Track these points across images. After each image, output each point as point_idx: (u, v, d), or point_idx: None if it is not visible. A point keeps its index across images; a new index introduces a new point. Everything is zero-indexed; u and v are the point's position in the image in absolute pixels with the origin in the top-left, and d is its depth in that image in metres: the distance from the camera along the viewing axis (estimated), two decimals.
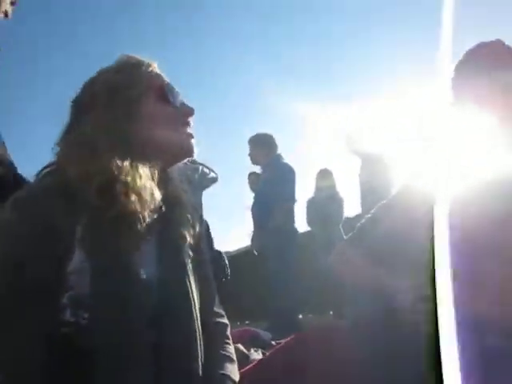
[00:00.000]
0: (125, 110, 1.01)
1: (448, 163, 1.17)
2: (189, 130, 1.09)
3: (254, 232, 4.90)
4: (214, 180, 4.59)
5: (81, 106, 1.05)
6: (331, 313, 5.96)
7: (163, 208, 1.03)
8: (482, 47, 1.52)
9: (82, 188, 0.92)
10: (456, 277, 0.85)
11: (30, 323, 0.86)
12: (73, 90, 1.09)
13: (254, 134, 4.91)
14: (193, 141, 1.09)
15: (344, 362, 1.02)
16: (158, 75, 1.11)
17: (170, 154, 1.07)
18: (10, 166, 1.65)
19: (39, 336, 0.86)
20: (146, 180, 0.98)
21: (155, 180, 1.02)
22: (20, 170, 1.40)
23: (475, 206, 1.26)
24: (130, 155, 0.97)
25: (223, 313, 1.19)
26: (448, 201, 1.00)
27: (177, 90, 1.11)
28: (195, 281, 1.08)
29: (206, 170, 1.32)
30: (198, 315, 1.04)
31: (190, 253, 1.09)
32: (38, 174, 1.02)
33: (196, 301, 1.05)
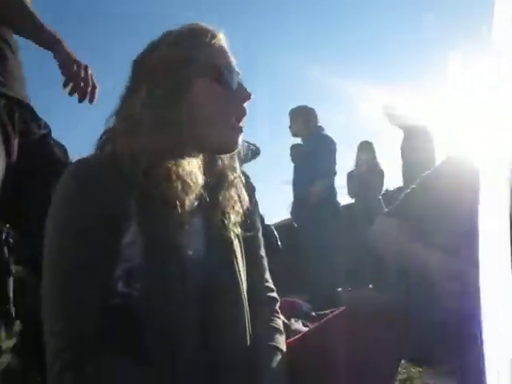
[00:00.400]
0: (176, 90, 0.96)
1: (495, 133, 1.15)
2: (240, 122, 1.02)
3: (294, 204, 4.91)
4: (257, 153, 4.59)
5: (138, 76, 1.02)
6: (370, 286, 5.93)
7: (207, 195, 1.02)
8: None
9: (130, 166, 0.93)
10: None
11: (89, 291, 0.89)
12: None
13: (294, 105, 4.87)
14: (241, 136, 1.03)
15: (385, 337, 1.02)
16: (219, 50, 1.03)
17: (216, 146, 1.03)
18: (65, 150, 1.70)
19: (97, 302, 0.89)
20: (190, 165, 0.97)
21: (201, 163, 1.02)
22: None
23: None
24: (178, 137, 0.95)
25: (273, 287, 1.19)
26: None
27: (236, 69, 1.04)
28: (243, 258, 1.08)
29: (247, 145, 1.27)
30: (245, 292, 1.04)
31: (237, 230, 1.08)
32: (96, 145, 1.02)
33: (243, 278, 1.05)
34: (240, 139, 1.03)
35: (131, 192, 0.93)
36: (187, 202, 0.96)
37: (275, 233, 5.17)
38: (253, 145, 4.50)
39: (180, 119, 0.95)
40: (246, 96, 1.02)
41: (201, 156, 1.03)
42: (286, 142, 5.51)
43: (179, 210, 0.95)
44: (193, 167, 0.98)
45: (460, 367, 1.26)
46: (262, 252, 1.19)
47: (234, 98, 1.01)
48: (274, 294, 1.18)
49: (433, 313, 1.27)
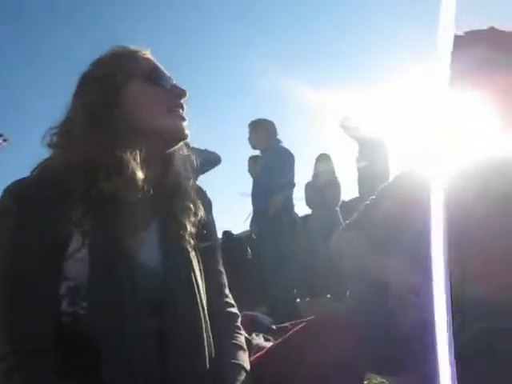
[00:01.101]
0: (110, 96, 0.98)
1: (445, 145, 1.18)
2: (180, 113, 1.04)
3: (253, 216, 4.91)
4: (217, 161, 4.56)
5: (73, 95, 1.04)
6: (328, 296, 5.99)
7: (163, 199, 1.03)
8: (479, 31, 1.50)
9: (68, 174, 0.92)
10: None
11: (31, 314, 0.87)
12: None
13: (253, 118, 4.90)
14: (185, 123, 1.04)
15: (350, 349, 1.03)
16: (146, 59, 1.07)
17: (161, 138, 1.03)
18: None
19: (43, 322, 0.87)
20: (130, 163, 0.96)
21: (146, 164, 0.99)
22: None
23: (470, 186, 1.28)
24: (116, 140, 0.96)
25: (233, 302, 1.17)
26: (445, 182, 1.01)
27: (167, 73, 1.07)
28: (200, 269, 1.07)
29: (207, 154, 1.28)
30: (204, 303, 1.03)
31: (192, 241, 1.07)
32: (33, 170, 1.01)
33: (201, 288, 1.04)
34: (184, 126, 1.04)
35: (73, 203, 0.91)
36: (131, 198, 0.94)
37: (245, 245, 5.18)
38: (212, 153, 4.51)
39: (119, 122, 0.97)
40: (181, 93, 1.05)
41: (147, 157, 1.00)
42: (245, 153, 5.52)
43: (127, 210, 0.94)
44: (133, 166, 0.96)
45: (422, 375, 1.29)
46: (221, 266, 1.18)
47: (168, 95, 1.03)
48: (235, 310, 1.16)
49: (393, 324, 1.29)
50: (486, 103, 1.38)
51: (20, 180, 0.96)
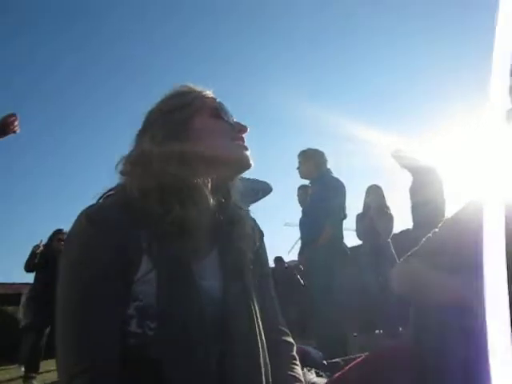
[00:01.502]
0: (179, 127, 1.04)
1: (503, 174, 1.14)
2: (243, 143, 1.09)
3: (302, 246, 4.85)
4: (268, 191, 4.66)
5: (142, 128, 1.09)
6: (378, 331, 5.80)
7: (222, 223, 1.06)
8: None
9: (142, 200, 0.96)
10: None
11: (100, 335, 0.88)
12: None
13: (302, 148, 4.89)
14: (248, 153, 1.08)
15: None
16: (210, 97, 1.13)
17: (228, 166, 1.07)
18: None
19: (115, 344, 0.88)
20: (203, 191, 1.01)
21: (214, 191, 1.05)
22: None
23: None
24: (187, 168, 0.99)
25: (288, 331, 1.17)
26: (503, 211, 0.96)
27: (229, 110, 1.13)
28: (257, 296, 1.08)
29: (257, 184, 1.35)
30: (261, 329, 1.04)
31: (252, 267, 1.09)
32: (102, 196, 1.05)
33: (258, 314, 1.05)
34: (247, 154, 1.08)
35: (144, 230, 0.95)
36: (203, 222, 0.99)
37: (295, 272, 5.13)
38: (263, 182, 4.54)
39: (188, 152, 1.01)
40: (243, 128, 1.11)
41: (215, 184, 1.06)
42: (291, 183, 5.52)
43: (197, 233, 0.97)
44: (203, 189, 1.02)
45: None
46: (274, 293, 1.19)
47: (231, 128, 1.09)
48: (290, 339, 1.17)
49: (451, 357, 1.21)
50: None
51: (95, 204, 1.01)
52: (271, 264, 7.37)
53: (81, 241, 0.94)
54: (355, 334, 6.47)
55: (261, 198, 4.54)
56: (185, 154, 1.01)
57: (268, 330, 1.07)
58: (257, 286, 1.10)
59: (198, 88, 1.15)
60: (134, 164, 1.03)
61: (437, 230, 1.51)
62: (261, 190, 4.40)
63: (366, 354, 1.18)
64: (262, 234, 1.22)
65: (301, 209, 5.07)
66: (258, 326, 1.03)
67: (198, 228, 0.98)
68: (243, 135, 1.10)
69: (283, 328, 1.16)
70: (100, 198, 1.04)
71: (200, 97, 1.11)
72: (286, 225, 5.40)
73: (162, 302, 0.91)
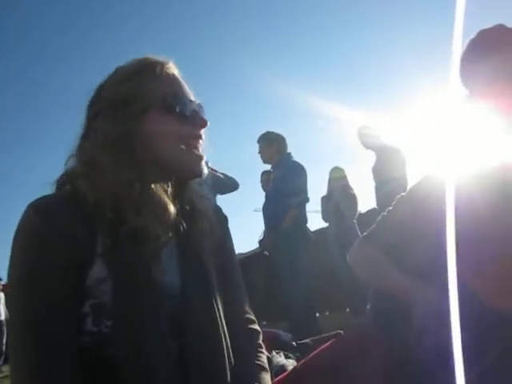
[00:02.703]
0: (128, 127, 0.97)
1: (458, 152, 1.19)
2: (198, 150, 1.02)
3: (266, 232, 4.87)
4: (234, 187, 4.74)
5: (91, 117, 1.02)
6: (348, 310, 5.91)
7: (182, 223, 1.02)
8: (485, 32, 1.47)
9: (96, 206, 0.92)
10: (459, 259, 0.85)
11: (54, 334, 0.86)
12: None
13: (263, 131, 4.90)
14: (202, 163, 1.03)
15: (378, 367, 0.99)
16: (167, 81, 1.03)
17: (178, 174, 1.03)
18: None
19: (70, 341, 0.86)
20: (157, 195, 0.97)
21: (170, 194, 1.02)
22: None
23: (478, 193, 1.25)
24: (139, 171, 0.96)
25: (254, 318, 1.15)
26: (456, 189, 0.99)
27: (190, 97, 1.04)
28: (221, 288, 1.07)
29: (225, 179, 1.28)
30: (224, 323, 1.02)
31: (212, 259, 1.07)
32: (55, 184, 1.02)
33: (221, 312, 1.03)
34: (201, 163, 1.03)
35: (97, 230, 0.92)
36: (160, 232, 0.95)
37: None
38: (231, 178, 4.54)
39: (135, 155, 0.97)
40: (201, 123, 1.03)
41: (169, 187, 1.03)
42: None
43: (152, 242, 0.93)
44: (161, 197, 0.98)
45: None
46: (240, 282, 1.17)
47: (187, 125, 1.01)
48: (256, 326, 1.15)
49: (417, 344, 1.23)
50: (498, 108, 1.36)
51: (45, 196, 0.97)
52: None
53: (28, 233, 0.91)
54: (327, 313, 6.59)
55: (227, 193, 4.59)
56: (138, 158, 0.97)
57: (234, 320, 1.05)
58: (220, 275, 1.08)
59: (157, 61, 1.04)
60: (85, 164, 0.98)
61: (391, 208, 1.53)
62: (228, 186, 4.51)
63: (334, 336, 1.19)
64: (225, 220, 1.19)
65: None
66: (220, 317, 1.01)
67: (157, 237, 0.95)
68: (201, 132, 1.03)
69: (249, 316, 1.14)
70: (56, 184, 1.01)
71: (156, 82, 1.01)
72: (255, 210, 5.40)
73: (117, 300, 0.88)
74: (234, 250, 1.21)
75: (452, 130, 1.18)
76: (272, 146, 4.72)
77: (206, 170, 1.04)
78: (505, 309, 1.16)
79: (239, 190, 4.79)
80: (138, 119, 0.98)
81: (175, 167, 1.01)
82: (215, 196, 4.40)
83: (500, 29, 1.45)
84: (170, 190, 1.03)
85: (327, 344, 1.11)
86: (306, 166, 4.67)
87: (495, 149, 1.35)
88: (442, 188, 1.07)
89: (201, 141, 1.03)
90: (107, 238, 0.91)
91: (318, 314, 5.32)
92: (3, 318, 7.05)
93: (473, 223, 1.14)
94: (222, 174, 4.47)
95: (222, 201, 4.57)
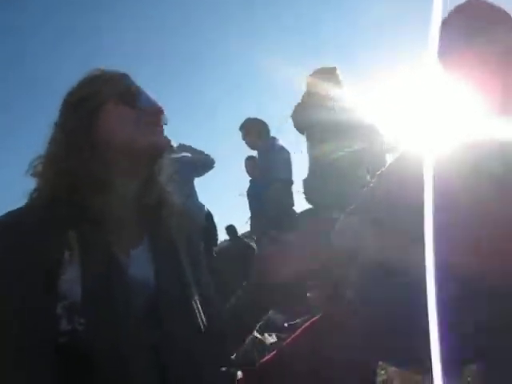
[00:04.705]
0: (86, 119, 1.02)
1: (434, 128, 1.23)
2: (155, 128, 1.06)
3: (252, 217, 4.92)
4: (210, 164, 4.50)
5: (52, 128, 1.06)
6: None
7: (148, 209, 1.06)
8: (465, 6, 1.46)
9: (55, 198, 0.96)
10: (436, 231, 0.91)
11: (31, 343, 0.86)
12: None
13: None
14: (163, 138, 1.07)
15: (356, 344, 1.04)
16: (121, 81, 1.10)
17: (139, 153, 1.04)
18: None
19: (43, 353, 0.86)
20: (114, 179, 1.01)
21: (130, 179, 1.05)
22: None
23: (461, 168, 1.29)
24: (97, 159, 0.99)
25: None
26: (433, 164, 1.05)
27: (144, 92, 1.09)
28: (196, 283, 1.11)
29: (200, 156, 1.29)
30: (200, 312, 1.06)
31: (186, 255, 1.12)
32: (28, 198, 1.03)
33: (195, 297, 1.07)
34: (159, 141, 1.06)
35: (62, 229, 0.93)
36: (119, 213, 1.00)
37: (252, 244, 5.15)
38: (206, 154, 4.42)
39: (91, 143, 1.00)
40: (157, 110, 1.07)
41: (135, 181, 1.06)
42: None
43: (113, 226, 0.98)
44: (121, 181, 1.02)
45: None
46: (212, 292, 1.19)
47: (144, 113, 1.05)
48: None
49: (396, 313, 1.27)
50: (472, 80, 1.39)
51: (9, 211, 0.98)
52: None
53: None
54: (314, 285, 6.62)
55: (205, 173, 4.42)
56: (95, 146, 1.01)
57: (218, 314, 1.11)
58: (192, 267, 1.12)
59: (110, 70, 1.11)
60: (43, 164, 1.02)
61: (371, 183, 1.56)
62: (200, 163, 4.27)
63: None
64: (210, 216, 1.24)
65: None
66: (196, 308, 1.05)
67: (118, 219, 0.99)
68: (158, 118, 1.07)
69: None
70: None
71: (109, 82, 1.08)
72: (240, 195, 5.37)
73: (87, 296, 0.90)
74: (201, 245, 1.27)
75: (428, 105, 1.21)
76: (252, 132, 4.73)
77: (171, 142, 1.08)
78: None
79: (227, 172, 4.68)
80: (94, 113, 1.03)
81: (135, 147, 1.03)
82: (192, 180, 4.30)
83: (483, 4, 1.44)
84: (135, 185, 1.06)
85: (307, 324, 1.16)
86: None
87: (470, 125, 1.37)
88: (417, 167, 1.12)
89: (158, 126, 1.07)
90: (69, 228, 0.93)
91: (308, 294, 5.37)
92: None
93: (447, 200, 1.17)
94: (191, 148, 4.25)
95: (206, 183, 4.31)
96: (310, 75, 3.82)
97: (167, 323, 0.99)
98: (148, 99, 1.08)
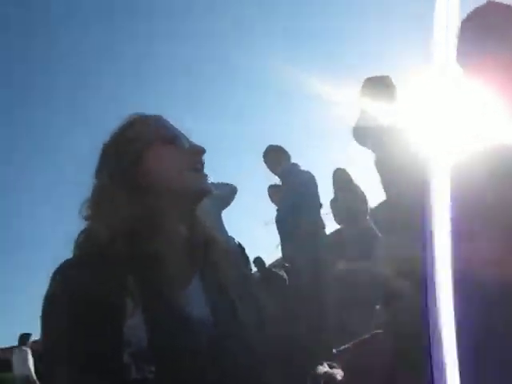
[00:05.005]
0: (134, 161, 1.03)
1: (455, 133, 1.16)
2: (200, 170, 1.09)
3: (283, 245, 4.88)
4: (234, 192, 4.59)
5: (99, 165, 1.08)
6: (377, 307, 5.85)
7: (197, 249, 1.07)
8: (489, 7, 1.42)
9: (109, 242, 0.95)
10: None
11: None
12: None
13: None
14: (207, 181, 1.09)
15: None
16: (163, 125, 1.12)
17: (187, 197, 1.06)
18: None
19: None
20: (169, 221, 1.02)
21: (182, 218, 1.06)
22: None
23: (471, 173, 1.24)
24: (147, 200, 1.00)
25: None
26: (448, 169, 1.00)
27: (184, 134, 1.12)
28: (247, 317, 1.09)
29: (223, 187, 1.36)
30: (255, 348, 1.06)
31: (236, 288, 1.11)
32: (76, 243, 1.03)
33: (250, 333, 1.07)
34: (205, 182, 1.08)
35: (120, 273, 0.93)
36: (174, 255, 1.00)
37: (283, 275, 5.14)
38: (227, 184, 4.48)
39: (139, 183, 1.01)
40: (199, 150, 1.10)
41: (178, 214, 1.06)
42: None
43: (172, 267, 0.97)
44: (173, 223, 1.02)
45: None
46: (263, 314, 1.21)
47: (187, 153, 1.07)
48: None
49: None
50: (493, 85, 1.36)
51: (66, 261, 0.98)
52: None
53: (56, 306, 0.93)
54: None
55: (231, 202, 4.40)
56: (143, 187, 1.01)
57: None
58: (245, 305, 1.11)
59: (148, 115, 1.14)
60: (93, 207, 1.03)
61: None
62: (227, 195, 4.28)
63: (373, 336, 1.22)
64: (246, 259, 1.27)
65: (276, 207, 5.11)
66: (253, 347, 1.05)
67: (171, 259, 0.99)
68: (201, 158, 1.10)
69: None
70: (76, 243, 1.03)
71: (153, 126, 1.11)
72: (265, 224, 5.38)
73: (155, 344, 0.90)
74: (253, 284, 1.25)
75: (445, 110, 1.19)
76: (273, 160, 4.78)
77: (210, 188, 1.09)
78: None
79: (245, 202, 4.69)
80: (141, 154, 1.04)
81: (182, 191, 1.04)
82: (220, 214, 4.25)
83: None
84: (179, 217, 1.06)
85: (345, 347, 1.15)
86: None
87: (492, 129, 1.35)
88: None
89: (201, 166, 1.09)
90: (127, 271, 0.94)
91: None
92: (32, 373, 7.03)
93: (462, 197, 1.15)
94: (213, 184, 4.30)
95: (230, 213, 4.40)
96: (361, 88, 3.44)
97: (228, 359, 0.98)
98: (187, 140, 1.10)
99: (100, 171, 1.07)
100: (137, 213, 0.98)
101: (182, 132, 1.12)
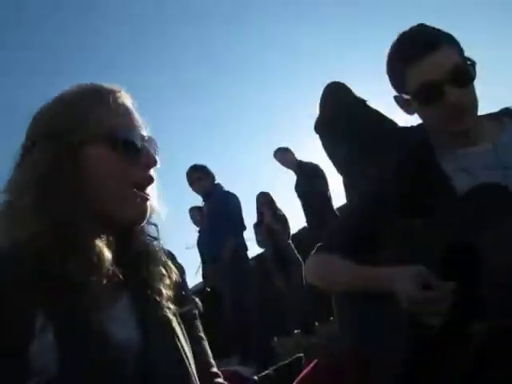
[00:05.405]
0: (65, 161, 0.83)
1: None
2: (144, 193, 0.89)
3: (205, 268, 4.80)
4: None
5: (26, 144, 0.88)
6: (296, 331, 5.90)
7: (128, 265, 0.89)
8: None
9: (17, 257, 0.78)
10: None
11: None
12: None
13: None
14: (146, 206, 0.90)
15: None
16: (116, 112, 0.90)
17: (116, 221, 0.88)
18: None
19: None
20: (91, 242, 0.82)
21: (112, 239, 0.86)
22: None
23: None
24: (70, 215, 0.81)
25: (219, 372, 1.05)
26: None
27: (140, 131, 0.91)
28: (185, 337, 0.96)
29: None
30: (193, 370, 0.92)
31: (172, 306, 0.94)
32: None
33: (188, 355, 0.92)
34: (146, 209, 0.90)
35: (35, 288, 0.76)
36: (94, 282, 0.80)
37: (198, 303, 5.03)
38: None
39: (66, 194, 0.82)
40: (149, 162, 0.90)
41: (109, 232, 0.87)
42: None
43: (91, 291, 0.79)
44: (96, 243, 0.82)
45: None
46: (202, 332, 1.06)
47: (134, 165, 0.88)
48: (221, 380, 1.04)
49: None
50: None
51: None
52: None
53: None
54: (275, 339, 6.53)
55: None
56: (70, 199, 0.82)
57: (200, 376, 0.94)
58: (182, 325, 0.97)
59: (104, 88, 0.91)
60: (5, 206, 0.83)
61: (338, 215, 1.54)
62: None
63: (296, 361, 1.18)
64: (182, 270, 1.06)
65: (197, 229, 5.04)
66: (190, 367, 0.91)
67: (94, 279, 0.80)
68: (151, 172, 0.91)
69: (214, 369, 1.04)
70: None
71: (101, 112, 0.88)
72: (187, 248, 5.21)
73: (66, 374, 0.75)
74: (192, 300, 1.09)
75: None
76: (202, 178, 4.67)
77: (147, 216, 0.91)
78: None
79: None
80: (76, 152, 0.84)
81: (113, 213, 0.87)
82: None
83: None
84: (111, 238, 0.87)
85: (303, 375, 1.09)
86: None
87: None
88: None
89: (150, 183, 0.91)
90: (34, 291, 0.76)
91: (276, 339, 5.30)
92: None
93: None
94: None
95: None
96: None
97: (158, 381, 0.85)
98: (141, 144, 0.90)
99: (21, 160, 0.87)
100: (50, 228, 0.79)
101: (139, 121, 0.92)
